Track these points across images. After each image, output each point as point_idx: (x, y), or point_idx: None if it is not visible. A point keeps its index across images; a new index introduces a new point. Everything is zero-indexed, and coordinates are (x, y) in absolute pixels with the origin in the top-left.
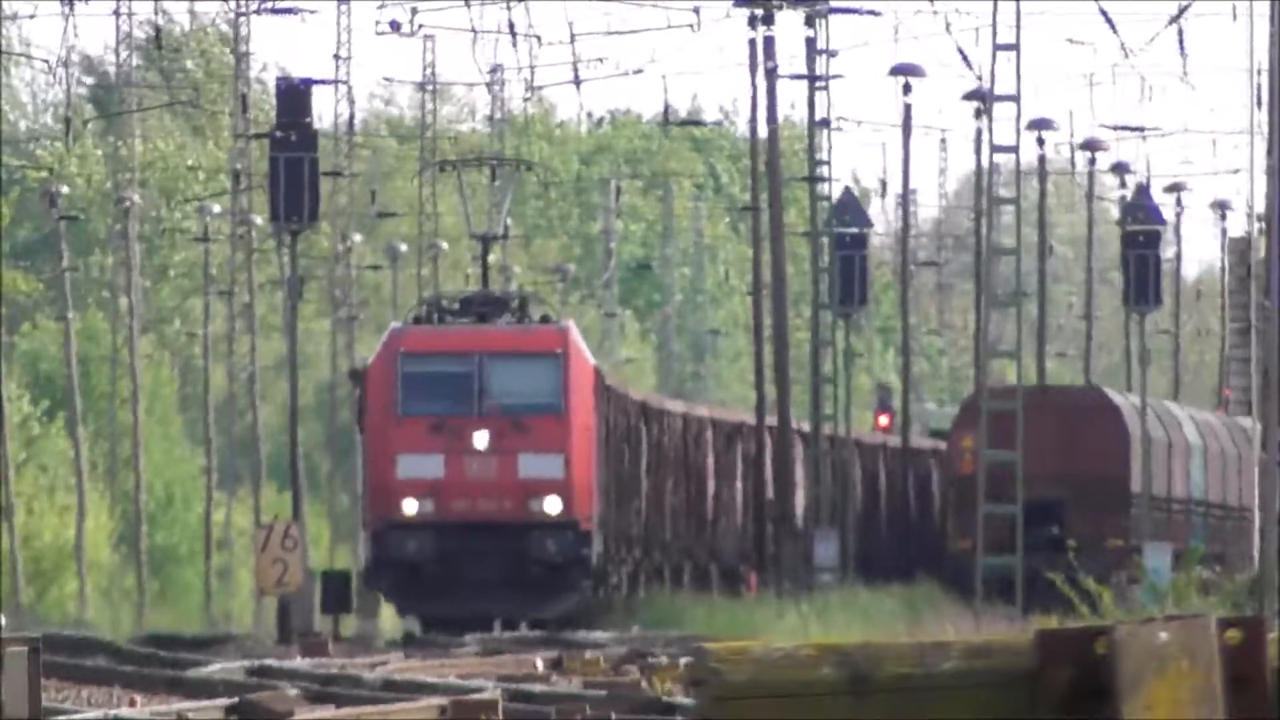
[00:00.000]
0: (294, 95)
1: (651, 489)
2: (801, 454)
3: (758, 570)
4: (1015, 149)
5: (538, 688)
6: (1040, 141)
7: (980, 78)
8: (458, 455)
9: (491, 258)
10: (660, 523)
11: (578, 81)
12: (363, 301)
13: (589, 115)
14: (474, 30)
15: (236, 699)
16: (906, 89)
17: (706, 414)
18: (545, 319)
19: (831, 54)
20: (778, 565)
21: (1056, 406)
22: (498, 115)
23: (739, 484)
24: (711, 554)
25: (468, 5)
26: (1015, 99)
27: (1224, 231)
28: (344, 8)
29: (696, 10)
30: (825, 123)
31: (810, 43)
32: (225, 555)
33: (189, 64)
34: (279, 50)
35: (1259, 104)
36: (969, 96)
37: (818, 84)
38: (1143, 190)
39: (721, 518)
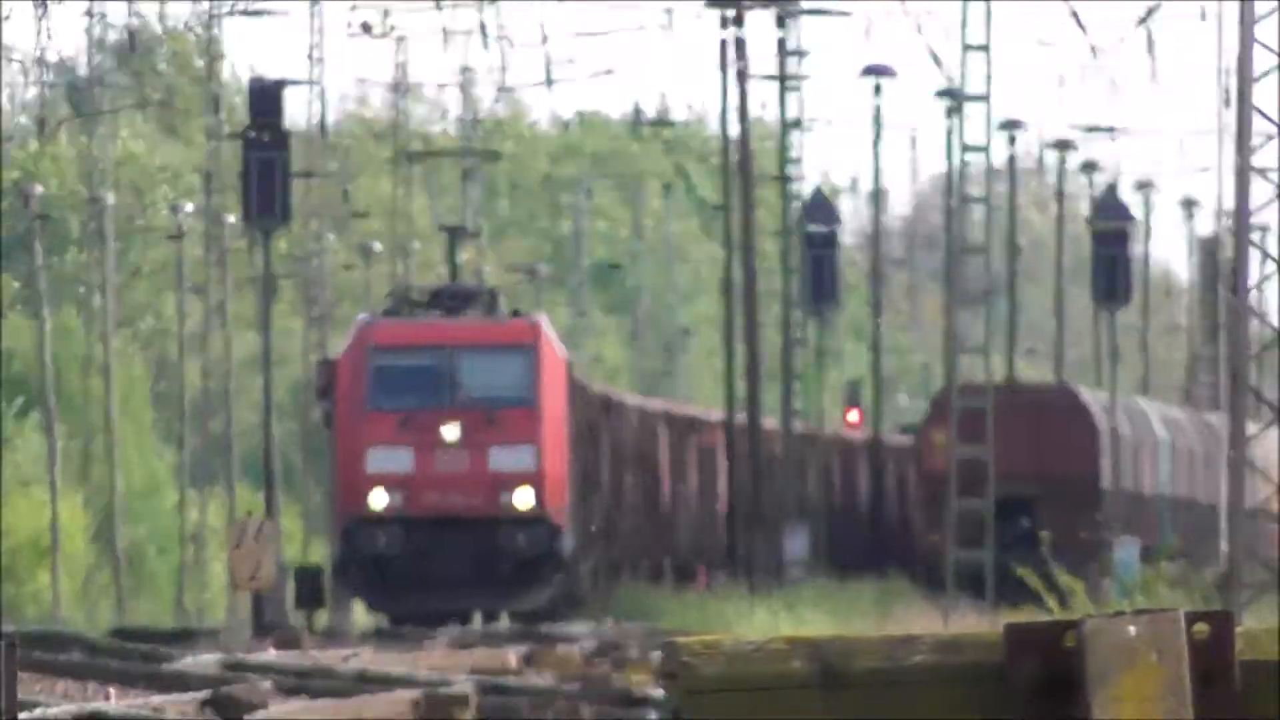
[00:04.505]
0: (266, 96)
1: (612, 481)
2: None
3: (725, 565)
4: (986, 148)
5: (511, 681)
6: (1011, 141)
7: (951, 78)
8: (428, 448)
9: (464, 256)
10: (620, 516)
11: (549, 83)
12: (335, 300)
13: (559, 117)
14: (445, 32)
15: (211, 692)
16: (877, 89)
17: (662, 409)
18: (516, 313)
19: (802, 54)
20: (748, 560)
21: (1027, 403)
22: (469, 116)
23: (694, 478)
24: (667, 549)
25: (439, 7)
26: (985, 99)
27: (1192, 230)
28: (316, 9)
29: (668, 11)
30: (796, 123)
31: (781, 43)
32: (198, 550)
33: (162, 65)
34: (251, 51)
35: (1227, 104)
36: (940, 96)
37: (789, 84)
38: (1112, 189)
39: (678, 512)
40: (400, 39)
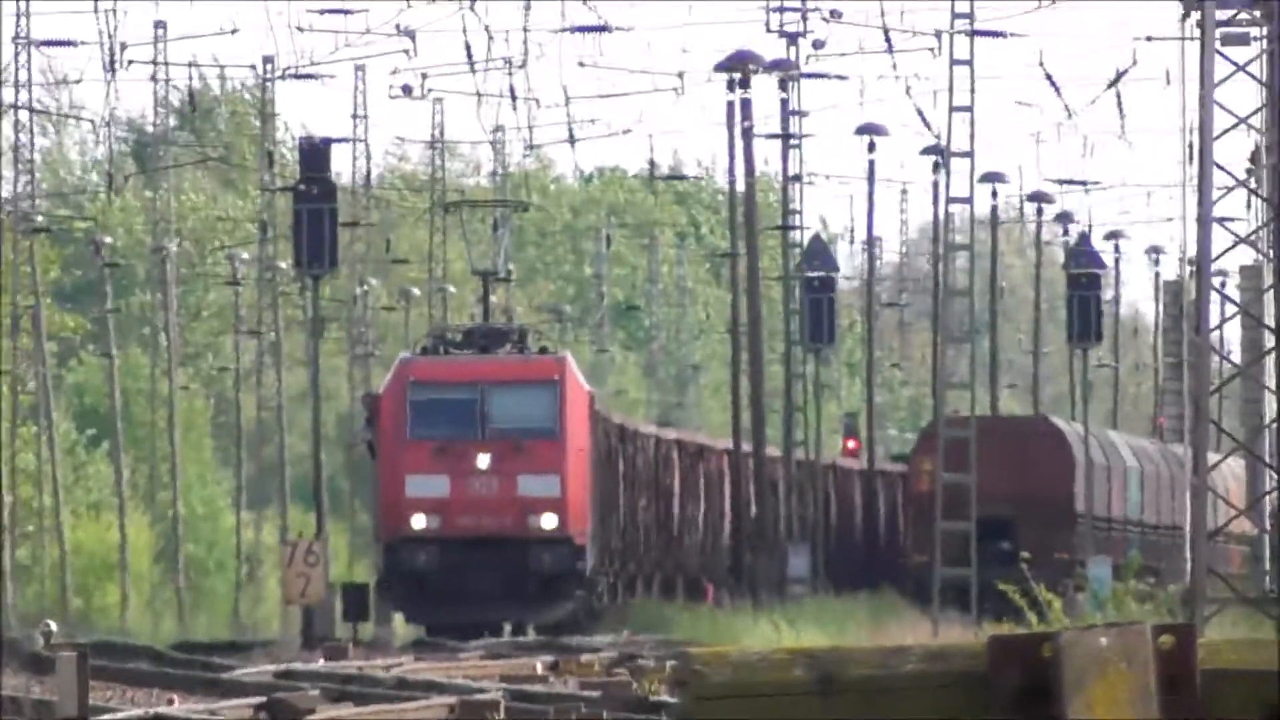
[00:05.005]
0: (315, 153)
1: (628, 505)
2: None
3: (731, 582)
4: (970, 200)
5: (537, 688)
6: (993, 194)
7: (938, 136)
8: (462, 475)
9: (495, 298)
10: (635, 537)
11: (572, 140)
12: (378, 339)
13: (581, 171)
14: (478, 94)
15: (265, 698)
16: (871, 146)
17: (674, 437)
18: (544, 350)
19: (803, 114)
20: (753, 577)
21: (1007, 433)
22: (500, 170)
23: (702, 501)
24: (677, 566)
25: (473, 71)
26: (969, 155)
27: (1158, 275)
28: (360, 73)
29: (680, 75)
30: (797, 177)
31: (783, 105)
32: (253, 568)
33: (220, 124)
34: (302, 111)
35: (1190, 159)
36: (927, 152)
37: (790, 142)
38: (1084, 238)
39: (686, 533)
40: (437, 100)
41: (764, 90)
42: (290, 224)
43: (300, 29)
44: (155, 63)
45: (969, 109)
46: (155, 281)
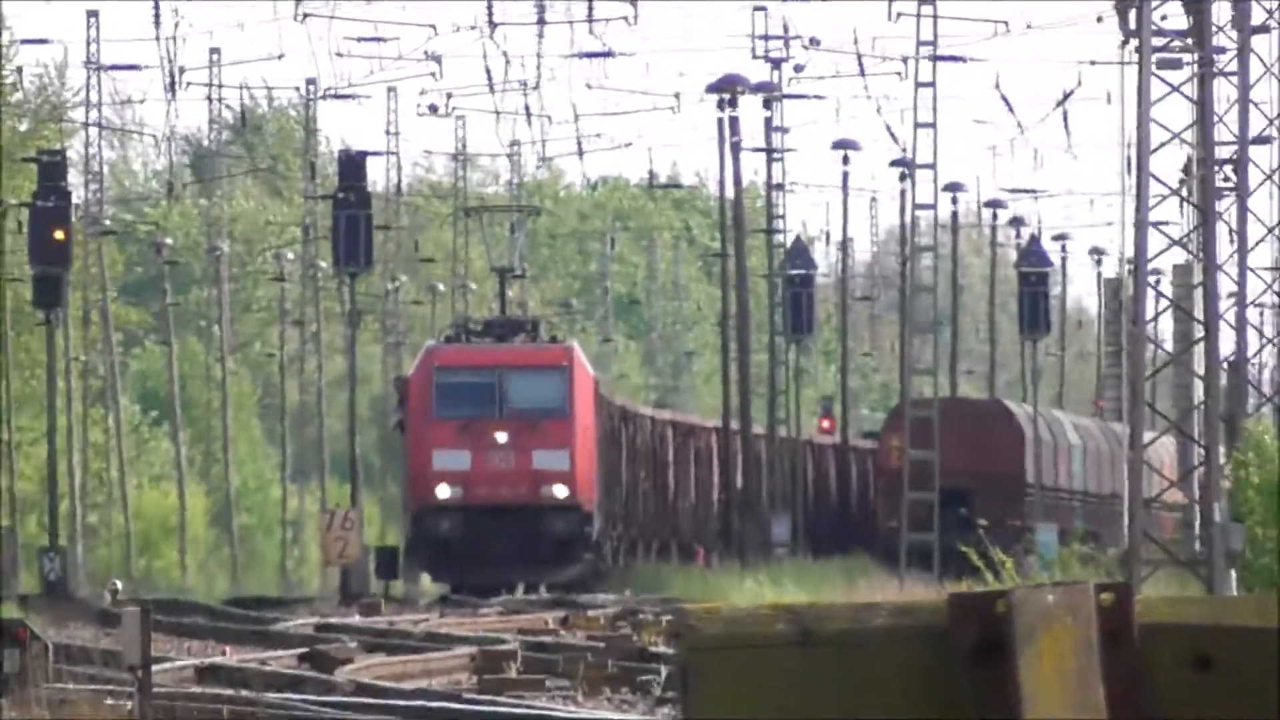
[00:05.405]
0: (352, 164)
1: (629, 477)
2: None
3: (720, 545)
4: (933, 206)
5: (549, 640)
6: (953, 200)
7: (904, 149)
8: (482, 450)
9: (510, 292)
10: (635, 505)
11: (580, 153)
12: (407, 329)
13: (588, 180)
14: (497, 112)
15: (307, 649)
16: (845, 159)
17: (669, 417)
18: (554, 339)
19: (785, 130)
20: (740, 541)
21: (966, 414)
22: (515, 180)
23: (694, 474)
24: (672, 531)
25: (492, 91)
26: (932, 166)
27: (1099, 273)
28: (392, 94)
29: (676, 95)
30: (780, 186)
31: (768, 122)
32: (297, 533)
33: (268, 139)
34: (341, 128)
35: (1129, 170)
36: (895, 164)
37: (774, 155)
38: (1034, 240)
39: (680, 501)
40: (460, 118)
41: (750, 109)
42: (330, 227)
43: (339, 55)
44: (210, 85)
45: (932, 125)
46: (210, 278)
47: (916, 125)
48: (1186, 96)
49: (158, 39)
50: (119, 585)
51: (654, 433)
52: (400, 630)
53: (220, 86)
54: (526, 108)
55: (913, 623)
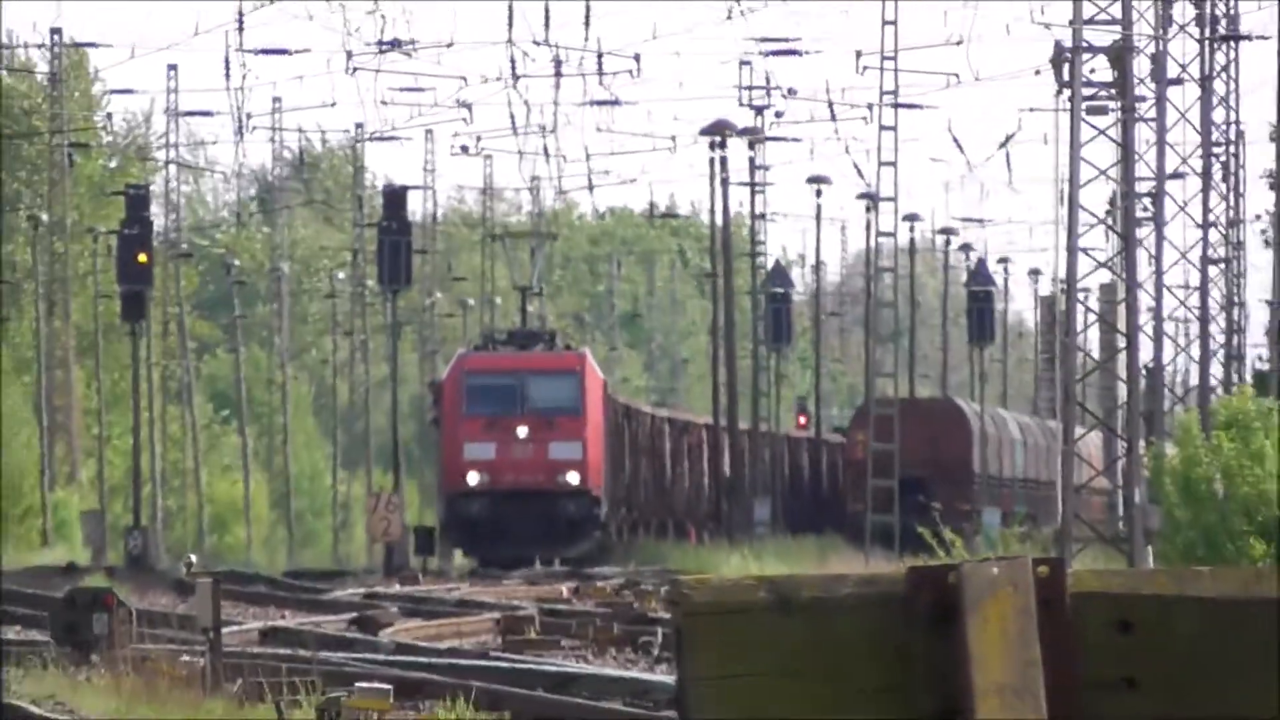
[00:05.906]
0: (395, 197)
1: (632, 466)
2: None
3: (710, 525)
4: (894, 234)
5: (563, 606)
6: (911, 229)
7: (869, 184)
8: (506, 443)
9: (530, 307)
10: (637, 490)
11: (591, 187)
12: (442, 339)
13: (597, 210)
14: (520, 152)
15: (356, 614)
16: (819, 192)
17: (666, 415)
18: (568, 347)
19: (766, 168)
20: (728, 521)
21: (922, 412)
22: (535, 210)
23: (687, 464)
24: (669, 512)
25: (515, 134)
26: (894, 199)
27: (1036, 291)
28: (430, 136)
29: (673, 137)
30: (762, 216)
31: (751, 161)
32: (346, 514)
33: (322, 175)
34: (385, 165)
35: (1062, 202)
36: (862, 197)
37: (757, 188)
38: (981, 262)
39: (675, 487)
40: (488, 157)
41: (737, 149)
42: (375, 251)
43: (384, 102)
44: (273, 128)
45: (893, 164)
46: (272, 295)
47: (880, 163)
48: (1111, 139)
49: (228, 89)
50: (193, 559)
51: (653, 428)
52: (435, 598)
53: (281, 130)
54: (545, 148)
55: (876, 591)
